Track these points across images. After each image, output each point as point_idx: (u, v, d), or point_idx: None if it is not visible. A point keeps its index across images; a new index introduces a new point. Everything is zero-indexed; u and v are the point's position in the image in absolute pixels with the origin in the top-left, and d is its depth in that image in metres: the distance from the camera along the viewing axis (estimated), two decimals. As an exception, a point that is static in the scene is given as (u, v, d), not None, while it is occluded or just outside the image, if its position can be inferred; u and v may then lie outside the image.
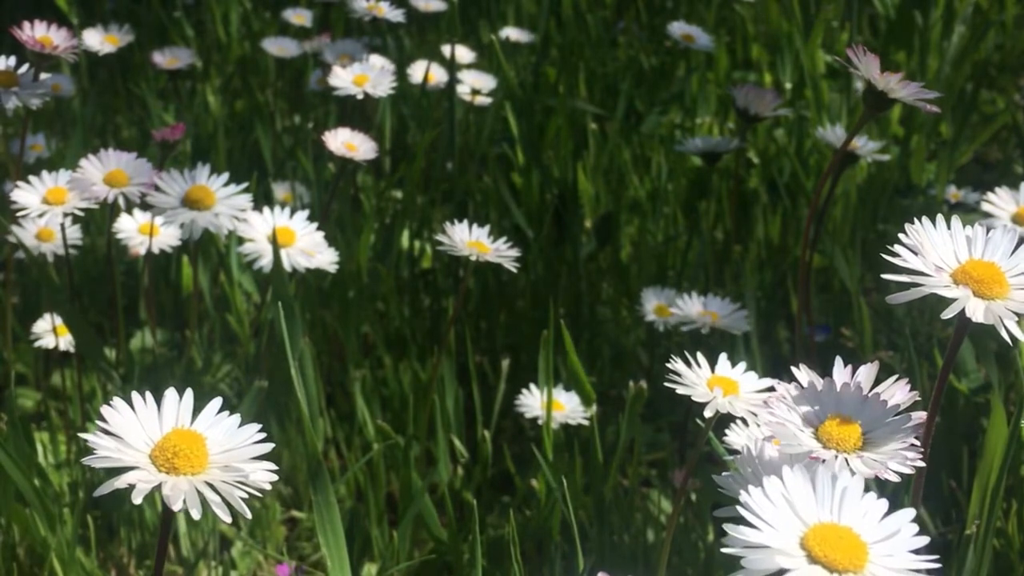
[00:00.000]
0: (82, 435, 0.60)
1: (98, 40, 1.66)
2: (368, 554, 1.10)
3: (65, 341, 1.19)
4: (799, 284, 1.06)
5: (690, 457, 0.79)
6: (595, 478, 1.09)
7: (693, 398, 0.74)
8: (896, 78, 0.89)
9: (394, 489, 1.15)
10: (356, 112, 1.48)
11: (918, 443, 0.63)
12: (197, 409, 0.63)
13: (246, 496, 0.58)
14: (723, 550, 0.52)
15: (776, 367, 1.13)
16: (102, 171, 1.05)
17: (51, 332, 1.21)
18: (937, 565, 0.52)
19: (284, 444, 1.17)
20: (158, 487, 0.58)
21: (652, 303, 1.28)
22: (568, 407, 1.17)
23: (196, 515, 0.57)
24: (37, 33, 1.06)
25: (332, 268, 1.16)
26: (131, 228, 1.25)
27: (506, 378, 1.22)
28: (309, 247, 1.14)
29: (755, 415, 0.76)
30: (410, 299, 1.43)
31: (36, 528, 0.97)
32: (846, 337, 1.39)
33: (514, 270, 1.04)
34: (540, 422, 1.13)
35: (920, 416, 0.64)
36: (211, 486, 0.58)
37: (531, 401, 1.17)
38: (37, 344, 1.21)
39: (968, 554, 0.76)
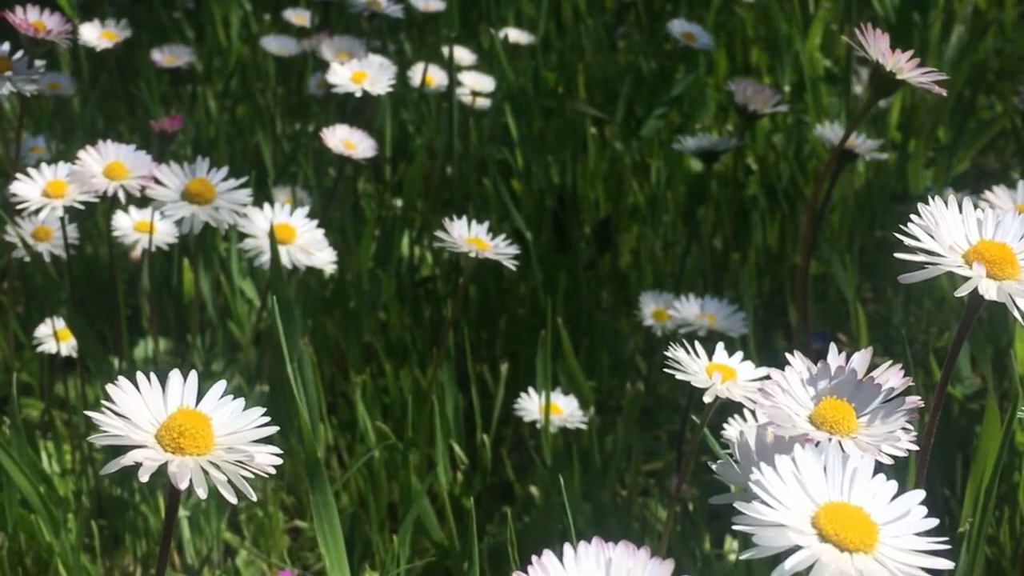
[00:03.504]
0: (88, 413, 0.60)
1: (95, 36, 1.65)
2: (369, 560, 1.11)
3: (67, 346, 1.20)
4: (797, 290, 1.07)
5: (684, 462, 0.80)
6: (593, 485, 1.10)
7: (693, 383, 0.75)
8: (905, 57, 0.87)
9: (396, 498, 1.16)
10: (357, 118, 1.48)
11: (911, 427, 0.63)
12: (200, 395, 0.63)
13: (251, 477, 0.59)
14: (734, 527, 0.53)
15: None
16: (101, 164, 1.05)
17: (52, 337, 1.21)
18: (947, 547, 0.53)
19: (287, 453, 1.18)
20: (164, 465, 0.58)
21: (650, 307, 1.29)
22: (566, 411, 1.18)
23: (202, 494, 0.57)
24: (30, 17, 1.05)
25: (331, 267, 1.16)
26: (127, 226, 1.25)
27: (505, 385, 1.22)
28: (309, 244, 1.14)
29: (752, 407, 0.77)
30: (411, 306, 1.44)
31: (41, 534, 0.98)
32: (843, 344, 1.40)
33: (512, 268, 1.05)
34: (539, 426, 1.14)
35: (915, 400, 0.64)
36: (216, 466, 0.58)
37: (530, 405, 1.18)
38: (40, 349, 1.22)
39: (961, 553, 0.77)
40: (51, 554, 0.96)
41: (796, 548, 0.51)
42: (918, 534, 0.54)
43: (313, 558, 1.16)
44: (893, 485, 0.56)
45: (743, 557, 0.53)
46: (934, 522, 0.54)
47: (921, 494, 0.55)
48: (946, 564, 0.52)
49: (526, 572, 0.54)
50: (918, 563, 0.52)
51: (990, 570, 1.00)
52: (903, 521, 0.54)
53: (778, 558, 0.52)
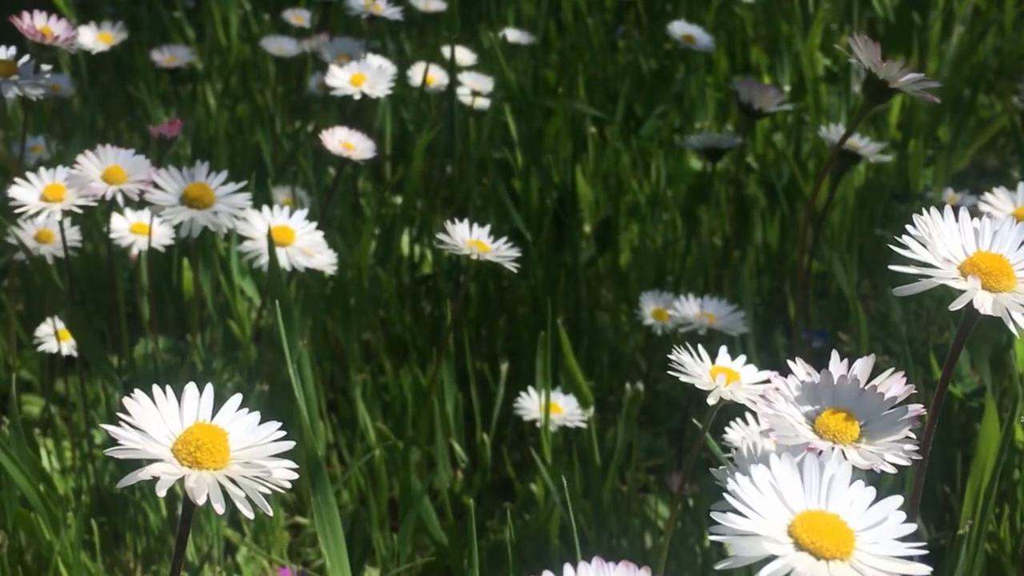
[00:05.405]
0: (105, 426, 0.60)
1: (91, 38, 1.65)
2: (370, 558, 1.11)
3: (68, 346, 1.20)
4: (797, 289, 1.07)
5: (687, 460, 0.80)
6: (593, 482, 1.10)
7: (697, 386, 0.75)
8: (897, 66, 0.88)
9: (396, 495, 1.16)
10: (357, 118, 1.48)
11: (914, 436, 0.63)
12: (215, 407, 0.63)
13: (268, 492, 0.59)
14: (711, 538, 0.53)
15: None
16: (100, 168, 1.05)
17: (53, 336, 1.21)
18: (924, 551, 0.53)
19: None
20: (181, 480, 0.58)
21: (650, 307, 1.29)
22: (566, 410, 1.18)
23: (220, 509, 0.57)
24: (37, 23, 1.05)
25: (331, 269, 1.16)
26: (123, 228, 1.25)
27: (506, 383, 1.22)
28: (308, 246, 1.14)
29: (754, 412, 0.77)
30: (411, 305, 1.44)
31: (41, 532, 0.98)
32: (843, 342, 1.40)
33: (514, 270, 1.05)
34: (538, 425, 1.14)
35: (917, 408, 0.64)
36: (233, 481, 0.58)
37: (529, 404, 1.18)
38: (40, 348, 1.22)
39: (960, 554, 0.77)
40: (51, 552, 0.96)
41: (772, 557, 0.51)
42: (896, 539, 0.54)
43: (313, 554, 1.17)
44: (871, 492, 0.55)
45: (719, 567, 0.53)
46: (912, 527, 0.54)
47: (899, 500, 0.55)
48: (924, 569, 0.52)
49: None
50: (896, 569, 0.52)
51: (990, 567, 1.00)
52: (881, 527, 0.54)
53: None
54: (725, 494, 0.54)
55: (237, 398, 0.64)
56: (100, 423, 1.11)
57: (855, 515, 0.54)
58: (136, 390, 0.61)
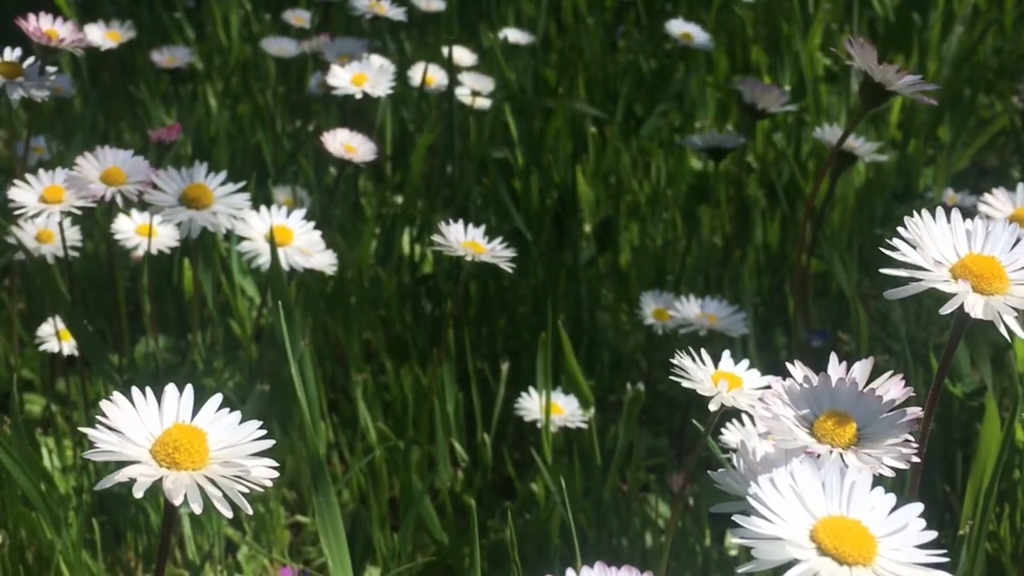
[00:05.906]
0: (83, 429, 0.60)
1: (100, 36, 1.66)
2: (370, 557, 1.11)
3: (69, 345, 1.20)
4: (796, 288, 1.07)
5: (688, 460, 0.80)
6: (594, 482, 1.10)
7: (699, 391, 0.74)
8: (893, 69, 0.88)
9: (397, 494, 1.16)
10: (357, 117, 1.49)
11: (913, 439, 0.63)
12: (197, 407, 0.63)
13: (247, 491, 0.59)
14: (733, 541, 0.53)
15: (774, 373, 1.14)
16: (99, 169, 1.05)
17: (55, 336, 1.21)
18: (945, 559, 0.53)
19: (287, 449, 1.18)
20: (159, 481, 0.58)
21: (651, 307, 1.29)
22: (567, 410, 1.18)
23: (197, 509, 0.57)
24: (43, 25, 1.05)
25: (330, 269, 1.17)
26: (129, 229, 1.25)
27: (506, 383, 1.23)
28: (306, 246, 1.14)
29: (753, 414, 0.77)
30: (411, 304, 1.44)
31: (42, 531, 0.98)
32: (844, 342, 1.40)
33: (509, 270, 1.05)
34: (539, 425, 1.14)
35: (916, 412, 0.64)
36: (212, 481, 0.58)
37: (530, 404, 1.18)
38: (41, 348, 1.22)
39: (961, 555, 0.77)
40: (52, 551, 0.96)
41: (795, 562, 0.51)
42: (917, 546, 0.53)
43: (314, 553, 1.17)
44: (891, 498, 0.55)
45: (742, 571, 0.53)
46: (932, 535, 0.54)
47: (919, 507, 0.55)
48: None
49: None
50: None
51: (990, 566, 1.00)
52: (902, 534, 0.54)
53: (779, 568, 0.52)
54: (748, 497, 0.54)
55: (218, 398, 0.64)
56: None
57: (876, 521, 0.54)
58: (115, 393, 0.61)
